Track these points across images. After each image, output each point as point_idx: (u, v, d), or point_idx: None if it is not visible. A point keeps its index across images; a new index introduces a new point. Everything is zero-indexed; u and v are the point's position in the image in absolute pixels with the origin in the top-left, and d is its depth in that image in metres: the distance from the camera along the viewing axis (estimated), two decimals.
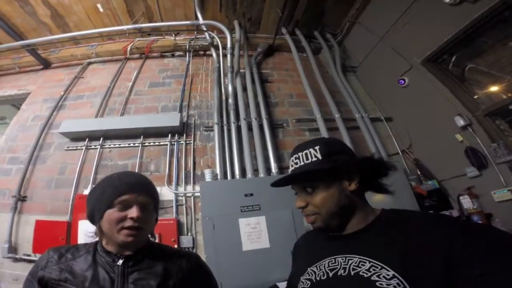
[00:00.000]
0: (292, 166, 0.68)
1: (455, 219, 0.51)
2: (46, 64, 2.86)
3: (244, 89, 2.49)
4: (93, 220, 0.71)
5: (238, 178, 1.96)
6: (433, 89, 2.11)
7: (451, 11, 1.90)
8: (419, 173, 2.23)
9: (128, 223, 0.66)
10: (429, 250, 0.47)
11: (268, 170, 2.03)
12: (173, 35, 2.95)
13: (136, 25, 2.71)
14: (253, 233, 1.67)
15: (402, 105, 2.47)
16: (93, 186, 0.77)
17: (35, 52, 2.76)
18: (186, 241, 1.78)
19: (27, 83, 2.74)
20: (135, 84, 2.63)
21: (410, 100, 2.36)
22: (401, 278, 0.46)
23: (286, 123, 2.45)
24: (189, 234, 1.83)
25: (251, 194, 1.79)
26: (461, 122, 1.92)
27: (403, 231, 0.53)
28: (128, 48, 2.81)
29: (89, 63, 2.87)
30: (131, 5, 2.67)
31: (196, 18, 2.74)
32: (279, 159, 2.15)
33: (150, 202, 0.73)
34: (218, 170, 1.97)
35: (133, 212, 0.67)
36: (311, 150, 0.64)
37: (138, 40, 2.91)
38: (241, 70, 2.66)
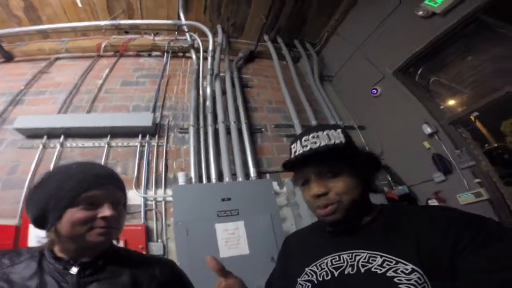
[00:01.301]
0: (306, 146, 0.56)
1: (461, 212, 0.49)
2: (9, 57, 2.58)
3: (224, 92, 2.45)
4: (43, 223, 0.56)
5: (214, 182, 1.87)
6: (403, 98, 2.25)
7: (423, 24, 2.06)
8: (389, 179, 2.32)
9: (100, 223, 0.55)
10: (439, 242, 0.44)
11: (246, 174, 1.97)
12: (152, 34, 2.85)
13: (114, 21, 2.58)
14: (231, 239, 1.58)
15: (374, 113, 2.59)
16: (40, 180, 0.59)
17: None
18: (156, 248, 1.64)
19: None
20: (106, 81, 2.45)
21: (382, 109, 2.49)
22: (421, 272, 0.42)
23: (265, 128, 2.44)
24: (159, 240, 1.68)
25: (229, 199, 1.70)
26: (428, 130, 2.05)
27: (413, 224, 0.50)
28: (102, 45, 2.65)
29: (57, 59, 2.64)
30: (112, 1, 2.55)
31: (179, 18, 2.69)
32: (257, 163, 2.12)
33: (122, 198, 0.63)
34: (192, 174, 1.86)
35: (105, 210, 0.55)
36: (333, 131, 0.57)
37: (114, 38, 2.77)
38: (221, 74, 2.63)
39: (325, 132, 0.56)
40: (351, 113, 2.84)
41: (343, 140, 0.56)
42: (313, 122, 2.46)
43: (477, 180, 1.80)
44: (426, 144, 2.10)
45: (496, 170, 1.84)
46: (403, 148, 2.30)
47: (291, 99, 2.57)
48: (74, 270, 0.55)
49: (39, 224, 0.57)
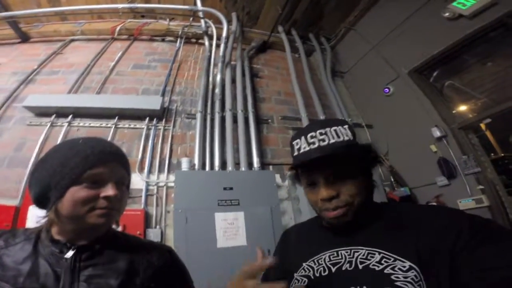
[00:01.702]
0: (313, 144, 0.53)
1: (462, 212, 0.48)
2: (25, 38, 2.62)
3: (233, 81, 2.44)
4: (44, 202, 0.53)
5: (217, 170, 1.87)
6: (415, 99, 2.19)
7: (447, 26, 1.99)
8: (392, 179, 2.30)
9: (102, 203, 0.52)
10: (439, 242, 0.44)
11: (250, 164, 1.97)
12: (167, 19, 2.83)
13: (132, 5, 2.59)
14: (230, 229, 1.58)
15: (383, 113, 2.54)
16: (43, 155, 0.56)
17: (16, 24, 2.53)
18: (153, 235, 1.63)
19: None
20: (118, 64, 2.45)
21: (392, 109, 2.44)
22: (418, 270, 0.42)
23: (272, 119, 2.42)
24: (158, 227, 1.69)
25: (231, 188, 1.71)
26: (437, 133, 2.00)
27: (413, 222, 0.49)
28: (117, 29, 2.66)
29: (72, 40, 2.67)
30: None
31: (195, 4, 2.66)
32: (262, 154, 2.11)
33: (127, 178, 0.60)
34: (196, 160, 1.87)
35: (109, 190, 0.53)
36: (340, 127, 0.54)
37: (130, 22, 2.77)
38: (232, 62, 2.60)
39: (333, 128, 0.53)
40: (360, 111, 2.80)
41: (351, 137, 0.53)
42: (321, 117, 2.43)
43: (480, 186, 1.78)
44: (433, 148, 2.07)
45: (500, 179, 1.82)
46: (409, 149, 2.27)
47: (301, 92, 2.54)
48: (69, 254, 0.52)
49: (41, 203, 0.54)
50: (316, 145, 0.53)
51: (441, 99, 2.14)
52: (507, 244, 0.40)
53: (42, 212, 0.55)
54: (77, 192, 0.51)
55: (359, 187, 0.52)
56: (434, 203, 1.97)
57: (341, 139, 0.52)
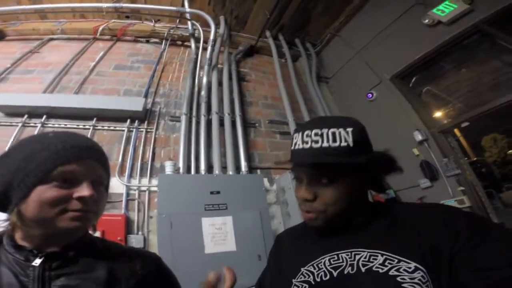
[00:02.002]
0: (307, 143, 0.51)
1: (461, 211, 0.48)
2: (0, 36, 2.47)
3: (220, 84, 2.42)
4: (5, 203, 0.46)
5: (203, 174, 1.82)
6: (397, 104, 2.27)
7: (427, 32, 2.09)
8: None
9: (75, 205, 0.45)
10: (439, 240, 0.43)
11: (237, 168, 1.94)
12: (153, 21, 2.77)
13: (117, 4, 2.51)
14: (218, 234, 1.52)
15: (367, 117, 2.58)
16: (6, 150, 0.48)
17: None
18: (135, 241, 1.56)
19: None
20: (99, 64, 2.36)
21: (375, 114, 2.51)
22: (424, 270, 0.41)
23: (259, 123, 2.41)
24: (140, 233, 1.61)
25: (218, 192, 1.66)
26: (419, 137, 2.08)
27: (412, 222, 0.48)
28: (100, 28, 2.56)
29: (51, 39, 2.54)
30: None
31: (183, 6, 2.63)
32: (249, 158, 2.09)
33: (104, 177, 0.53)
34: (181, 164, 1.80)
35: (83, 190, 0.46)
36: (341, 130, 0.49)
37: (113, 22, 2.68)
38: (219, 66, 2.59)
39: (331, 130, 0.49)
40: (344, 116, 2.85)
41: (350, 142, 0.48)
42: None
43: (461, 188, 1.85)
44: (416, 151, 2.14)
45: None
46: (392, 153, 2.31)
47: (287, 97, 2.56)
48: (37, 261, 0.45)
49: (1, 204, 0.46)
50: (308, 145, 0.50)
51: (422, 104, 2.23)
52: (506, 244, 0.40)
53: (2, 215, 0.47)
54: (44, 192, 0.44)
55: (337, 197, 0.50)
56: None
57: (337, 144, 0.48)
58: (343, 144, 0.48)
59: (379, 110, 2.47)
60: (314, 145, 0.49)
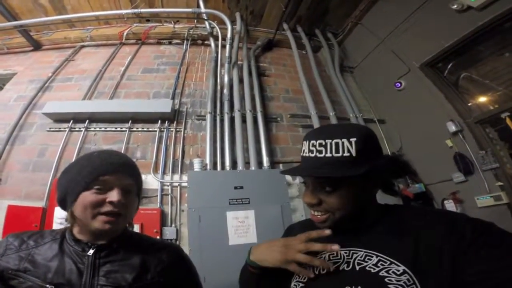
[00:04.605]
0: (312, 152, 0.55)
1: (465, 217, 0.48)
2: (37, 46, 2.75)
3: (240, 81, 2.45)
4: (64, 204, 0.63)
5: (228, 169, 1.91)
6: (428, 93, 2.13)
7: (456, 18, 1.92)
8: (406, 176, 2.25)
9: (107, 207, 0.59)
10: (440, 247, 0.44)
11: (259, 163, 1.99)
12: (172, 22, 2.87)
13: (136, 10, 2.62)
14: (241, 227, 1.61)
15: (396, 107, 2.48)
16: (67, 166, 0.67)
17: (27, 33, 2.65)
18: (169, 233, 1.70)
19: (14, 63, 2.63)
20: (128, 69, 2.53)
21: (404, 103, 2.38)
22: (411, 274, 0.44)
23: (281, 117, 2.42)
24: (173, 225, 1.75)
25: (241, 187, 1.74)
26: (452, 128, 1.94)
27: (413, 226, 0.50)
28: (125, 33, 2.73)
29: (82, 46, 2.78)
30: None
31: (198, 6, 2.67)
32: (271, 153, 2.13)
33: (133, 186, 0.66)
34: (208, 160, 1.91)
35: (114, 195, 0.59)
36: (345, 141, 0.52)
37: (136, 26, 2.84)
38: (239, 62, 2.62)
39: (334, 141, 0.52)
40: (371, 106, 2.74)
41: (353, 152, 0.51)
42: (331, 114, 2.41)
43: (499, 183, 1.71)
44: (449, 143, 2.00)
45: None
46: (423, 145, 2.20)
47: (309, 89, 2.52)
48: (90, 252, 0.60)
49: (62, 205, 0.64)
50: (313, 155, 0.55)
51: (456, 92, 2.06)
52: (508, 247, 0.41)
53: (61, 214, 0.64)
54: (87, 197, 0.58)
55: (342, 202, 0.53)
56: (451, 200, 1.92)
57: (339, 154, 0.52)
58: (346, 154, 0.51)
59: (409, 100, 2.33)
60: (319, 155, 0.54)
